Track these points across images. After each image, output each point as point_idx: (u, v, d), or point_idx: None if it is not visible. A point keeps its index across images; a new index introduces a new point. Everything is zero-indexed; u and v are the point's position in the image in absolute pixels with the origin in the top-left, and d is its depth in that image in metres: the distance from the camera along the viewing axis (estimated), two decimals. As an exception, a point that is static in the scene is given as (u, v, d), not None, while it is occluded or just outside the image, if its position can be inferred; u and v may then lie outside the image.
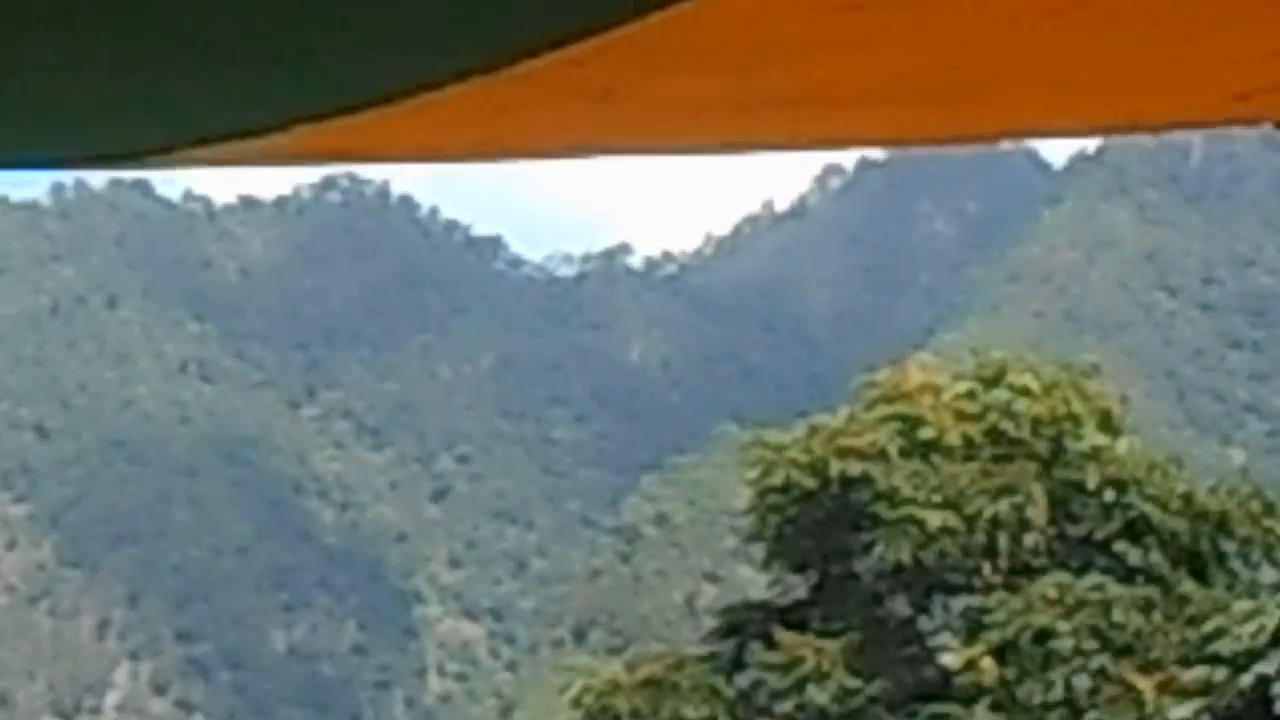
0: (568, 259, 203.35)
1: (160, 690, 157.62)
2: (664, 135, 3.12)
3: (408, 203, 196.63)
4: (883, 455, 28.73)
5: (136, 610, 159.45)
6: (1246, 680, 25.48)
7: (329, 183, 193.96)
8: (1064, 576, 28.75)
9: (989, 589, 28.42)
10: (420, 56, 2.31)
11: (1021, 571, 28.73)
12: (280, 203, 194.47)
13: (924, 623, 29.60)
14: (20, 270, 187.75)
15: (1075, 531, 29.67)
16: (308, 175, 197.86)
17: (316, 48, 2.30)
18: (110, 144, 2.89)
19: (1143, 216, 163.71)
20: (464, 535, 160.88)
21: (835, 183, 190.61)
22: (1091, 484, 28.45)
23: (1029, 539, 28.44)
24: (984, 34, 2.40)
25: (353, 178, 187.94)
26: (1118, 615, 28.22)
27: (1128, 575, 29.28)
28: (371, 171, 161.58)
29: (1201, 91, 2.90)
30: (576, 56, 2.18)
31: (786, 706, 28.50)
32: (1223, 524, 28.64)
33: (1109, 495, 28.46)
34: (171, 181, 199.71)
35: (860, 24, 2.24)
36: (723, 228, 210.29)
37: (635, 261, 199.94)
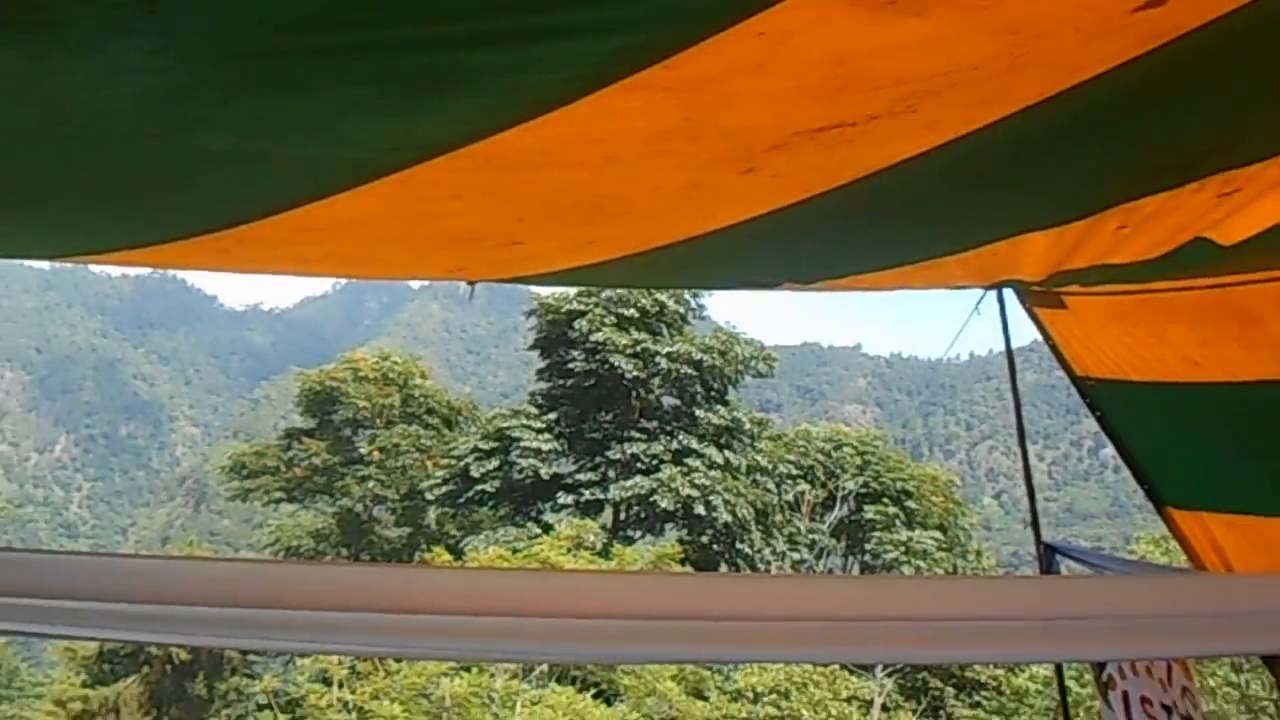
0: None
1: None
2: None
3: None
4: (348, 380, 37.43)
5: None
6: (461, 465, 33.75)
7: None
8: (406, 426, 37.07)
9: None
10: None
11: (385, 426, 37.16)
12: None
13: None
14: None
15: (408, 412, 38.02)
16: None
17: None
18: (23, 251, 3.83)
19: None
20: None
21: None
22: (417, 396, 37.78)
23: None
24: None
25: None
26: (422, 440, 36.86)
27: (429, 428, 37.72)
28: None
29: (436, 264, 4.24)
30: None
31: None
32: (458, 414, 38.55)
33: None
34: None
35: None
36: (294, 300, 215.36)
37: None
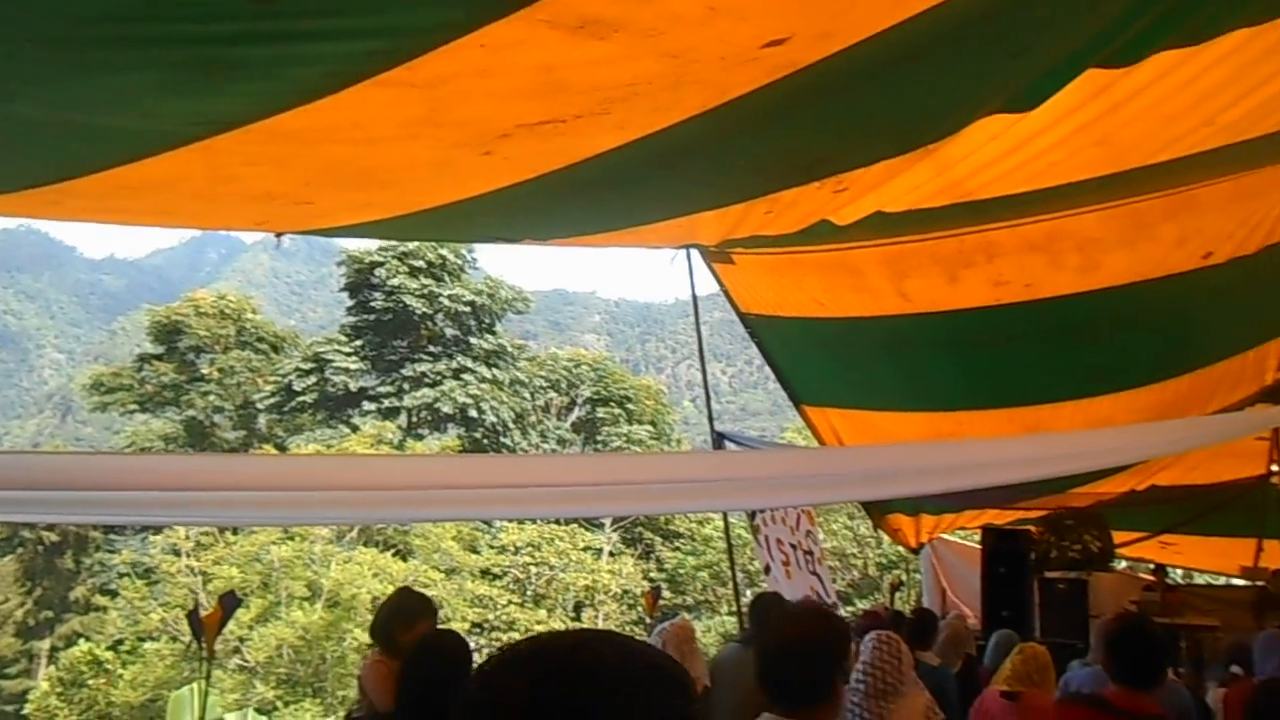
0: None
1: None
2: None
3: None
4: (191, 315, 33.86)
5: None
6: (286, 382, 31.84)
7: None
8: (240, 351, 33.14)
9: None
10: None
11: (223, 352, 34.16)
12: None
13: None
14: None
15: (242, 340, 33.82)
16: None
17: None
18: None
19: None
20: None
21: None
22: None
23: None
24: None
25: None
26: (253, 362, 33.05)
27: (259, 353, 33.83)
28: None
29: (242, 217, 3.84)
30: None
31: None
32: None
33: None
34: None
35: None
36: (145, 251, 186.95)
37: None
